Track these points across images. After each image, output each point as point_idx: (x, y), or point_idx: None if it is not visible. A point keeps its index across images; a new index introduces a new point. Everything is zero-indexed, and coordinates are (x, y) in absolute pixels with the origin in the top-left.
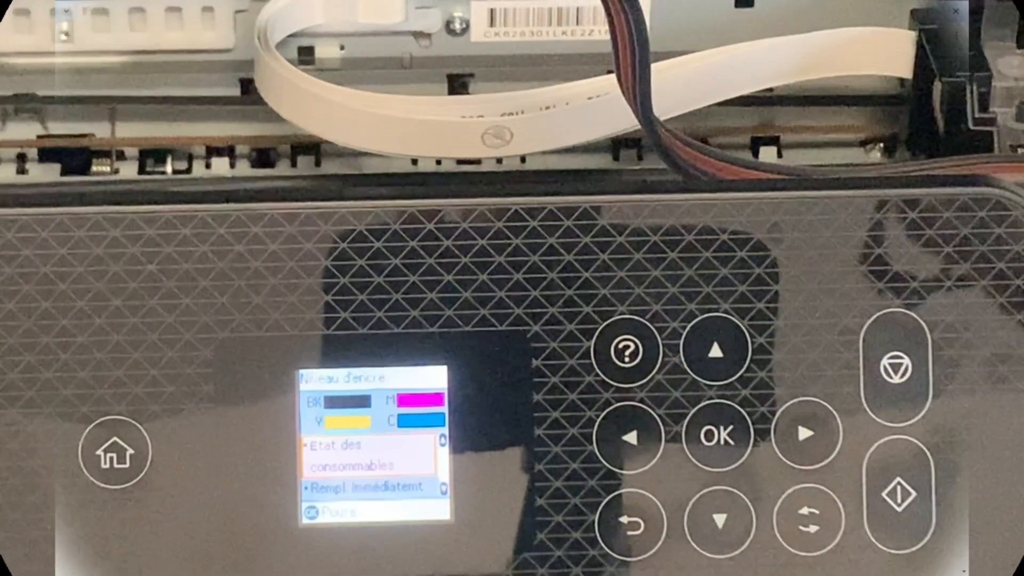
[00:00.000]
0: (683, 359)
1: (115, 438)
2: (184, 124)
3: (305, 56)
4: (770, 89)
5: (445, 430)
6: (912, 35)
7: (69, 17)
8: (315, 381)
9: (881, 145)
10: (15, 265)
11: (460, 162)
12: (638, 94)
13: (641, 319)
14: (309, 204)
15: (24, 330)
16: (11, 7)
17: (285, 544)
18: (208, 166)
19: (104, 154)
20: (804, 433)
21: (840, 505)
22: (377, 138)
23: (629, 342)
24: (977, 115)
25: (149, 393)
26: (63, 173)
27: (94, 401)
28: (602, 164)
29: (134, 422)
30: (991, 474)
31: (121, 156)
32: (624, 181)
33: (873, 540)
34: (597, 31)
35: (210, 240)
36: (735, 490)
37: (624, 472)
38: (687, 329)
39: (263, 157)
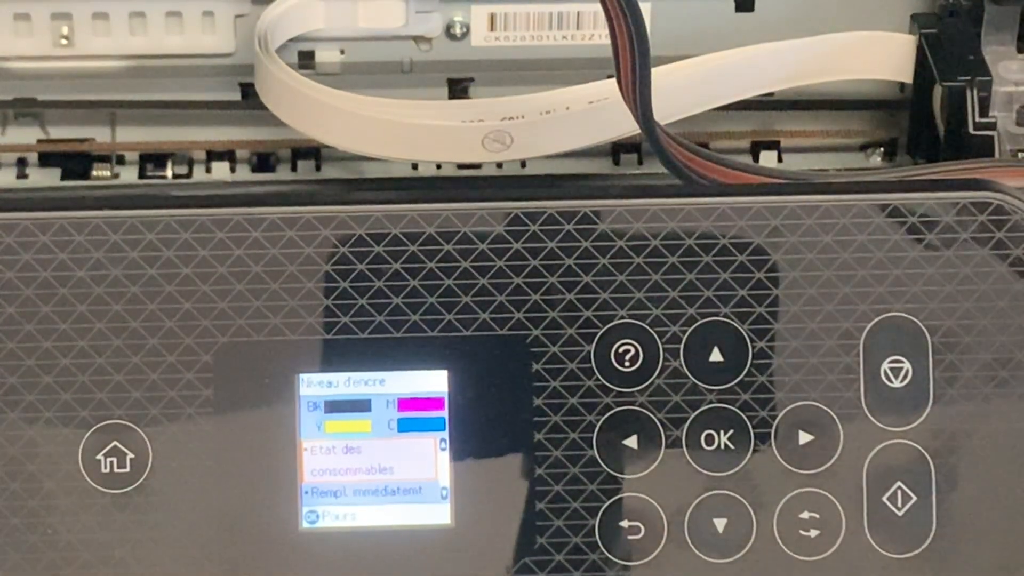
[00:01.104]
0: (683, 363)
1: (115, 442)
2: (184, 128)
3: (305, 61)
4: (771, 93)
5: (446, 434)
6: (912, 39)
7: (69, 21)
8: (315, 385)
9: (881, 149)
10: (15, 269)
11: (460, 166)
12: (639, 98)
13: (641, 323)
14: (309, 208)
15: (24, 334)
16: (11, 11)
17: (285, 549)
18: (208, 171)
19: (104, 159)
20: (804, 437)
21: (840, 509)
22: (377, 142)
23: (629, 346)
24: (977, 119)
25: (149, 397)
26: (63, 178)
27: (94, 405)
28: (602, 168)
29: (134, 426)
30: (991, 478)
31: (121, 161)
32: (624, 185)
33: (873, 544)
34: (597, 35)
35: (210, 244)
36: (735, 494)
37: (624, 476)
38: (687, 333)
39: (263, 161)
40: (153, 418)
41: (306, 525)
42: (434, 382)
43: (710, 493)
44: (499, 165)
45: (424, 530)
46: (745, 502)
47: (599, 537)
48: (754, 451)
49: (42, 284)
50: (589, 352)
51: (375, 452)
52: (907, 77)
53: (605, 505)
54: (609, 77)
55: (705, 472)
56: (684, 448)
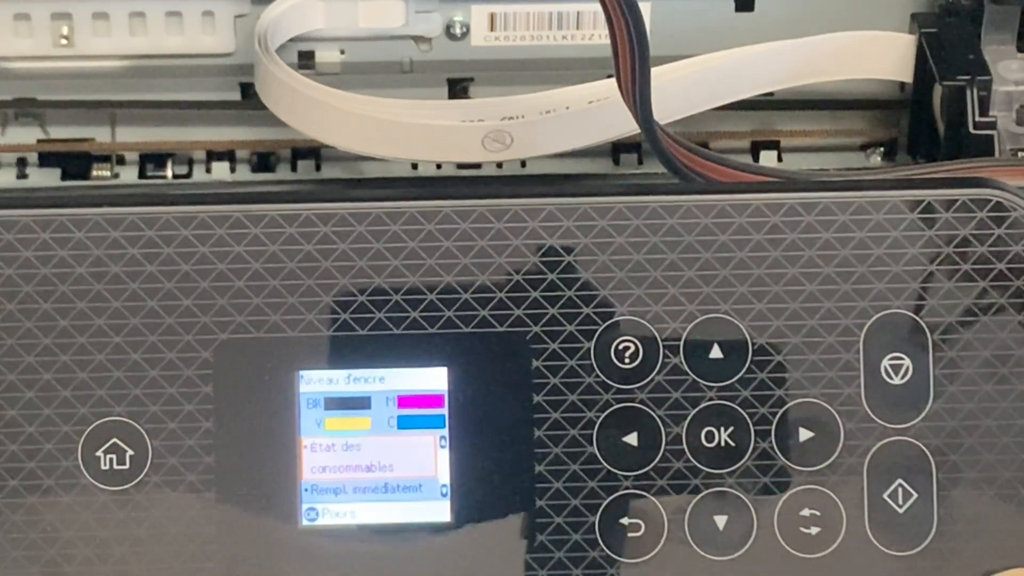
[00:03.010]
0: (683, 360)
1: (115, 439)
2: (184, 129)
3: (305, 60)
4: (770, 93)
5: (445, 432)
6: (912, 39)
7: (69, 21)
8: (315, 383)
9: (881, 149)
10: (15, 266)
11: (460, 166)
12: (638, 98)
13: (641, 320)
14: (309, 205)
15: (24, 331)
16: (11, 11)
17: (285, 546)
18: (208, 171)
19: (104, 159)
20: (805, 434)
21: (841, 507)
22: (377, 142)
23: (629, 343)
24: (977, 119)
25: (149, 394)
26: (63, 178)
27: (94, 402)
28: (602, 168)
29: (134, 423)
30: (992, 476)
31: (121, 161)
32: (624, 184)
33: (874, 542)
34: (597, 35)
35: (210, 241)
36: (736, 492)
37: (624, 473)
38: (687, 330)
39: (263, 161)
40: (153, 415)
41: (306, 522)
42: (434, 379)
43: (710, 490)
44: (499, 165)
45: (424, 527)
46: (745, 499)
47: (599, 534)
48: (754, 448)
49: (42, 281)
50: (589, 349)
51: (375, 449)
52: (907, 77)
53: (605, 502)
54: (609, 77)
55: (705, 469)
56: (684, 445)
